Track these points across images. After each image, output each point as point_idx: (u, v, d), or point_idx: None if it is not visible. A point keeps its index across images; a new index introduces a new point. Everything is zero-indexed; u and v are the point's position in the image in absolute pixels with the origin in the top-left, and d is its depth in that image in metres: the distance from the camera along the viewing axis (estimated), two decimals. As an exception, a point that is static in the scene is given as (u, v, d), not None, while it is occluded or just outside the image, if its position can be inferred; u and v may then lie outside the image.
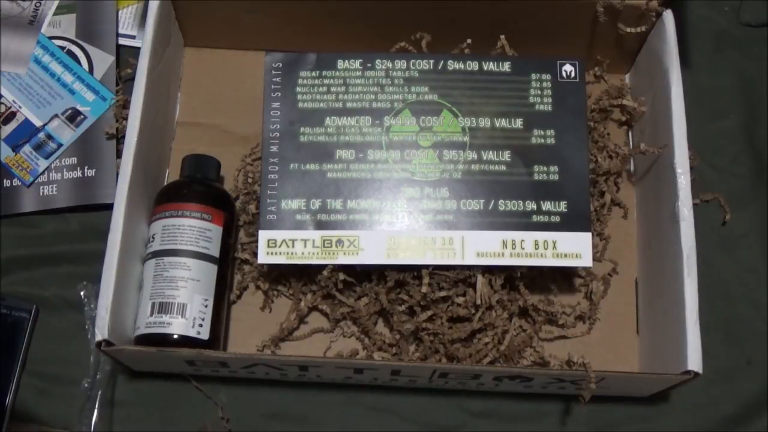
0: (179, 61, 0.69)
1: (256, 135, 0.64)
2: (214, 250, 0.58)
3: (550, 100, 0.59)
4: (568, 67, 0.60)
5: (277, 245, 0.57)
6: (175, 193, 0.60)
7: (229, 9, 0.65)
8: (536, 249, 0.57)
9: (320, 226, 0.57)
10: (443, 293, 0.57)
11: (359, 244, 0.57)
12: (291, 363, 0.55)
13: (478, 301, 0.57)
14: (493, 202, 0.58)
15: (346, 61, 0.59)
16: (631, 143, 0.68)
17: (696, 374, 0.53)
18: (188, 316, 0.56)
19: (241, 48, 0.69)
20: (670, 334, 0.56)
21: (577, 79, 0.60)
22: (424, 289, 0.56)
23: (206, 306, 0.57)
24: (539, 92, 0.59)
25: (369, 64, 0.59)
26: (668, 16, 0.61)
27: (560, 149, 0.58)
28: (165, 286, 0.56)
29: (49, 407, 0.60)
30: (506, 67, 0.60)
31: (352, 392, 0.61)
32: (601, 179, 0.64)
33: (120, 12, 0.71)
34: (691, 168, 0.60)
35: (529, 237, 0.57)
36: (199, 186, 0.60)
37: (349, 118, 0.58)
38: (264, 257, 0.57)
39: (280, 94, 0.59)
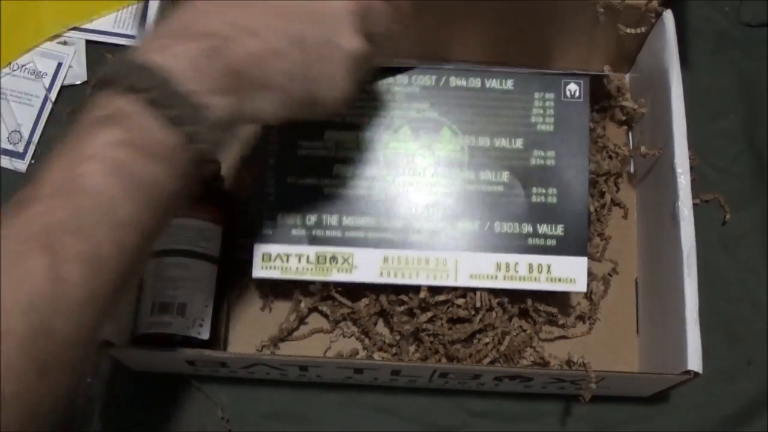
0: (179, 61, 0.69)
1: (256, 134, 0.64)
2: (214, 250, 0.58)
3: (552, 120, 0.58)
4: (572, 86, 0.59)
5: (271, 259, 0.56)
6: (175, 193, 0.60)
7: (229, 9, 0.65)
8: (530, 272, 0.57)
9: (315, 241, 0.57)
10: (442, 297, 0.57)
11: (353, 261, 0.56)
12: (291, 363, 0.55)
13: (478, 304, 0.57)
14: (489, 223, 0.57)
15: None
16: (631, 144, 0.68)
17: (696, 374, 0.53)
18: (188, 316, 0.56)
19: (241, 48, 0.69)
20: (670, 334, 0.56)
21: (581, 99, 0.58)
22: (422, 294, 0.56)
23: (206, 306, 0.57)
24: (542, 111, 0.58)
25: (369, 79, 0.58)
26: (668, 16, 0.61)
27: (560, 171, 0.57)
28: (165, 286, 0.56)
29: (49, 407, 0.60)
30: (509, 84, 0.58)
31: (352, 392, 0.61)
32: (601, 179, 0.64)
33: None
34: (691, 168, 0.60)
35: (524, 260, 0.57)
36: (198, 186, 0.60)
37: (348, 133, 0.58)
38: (258, 271, 0.57)
39: None
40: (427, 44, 0.65)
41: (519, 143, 0.58)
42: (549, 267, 0.57)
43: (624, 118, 0.68)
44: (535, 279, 0.57)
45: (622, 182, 0.67)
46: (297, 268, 0.56)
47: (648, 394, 0.61)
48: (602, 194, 0.64)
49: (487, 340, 0.59)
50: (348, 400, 0.61)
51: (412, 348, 0.60)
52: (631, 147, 0.67)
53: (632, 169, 0.67)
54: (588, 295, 0.63)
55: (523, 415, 0.61)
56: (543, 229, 0.57)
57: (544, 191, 0.57)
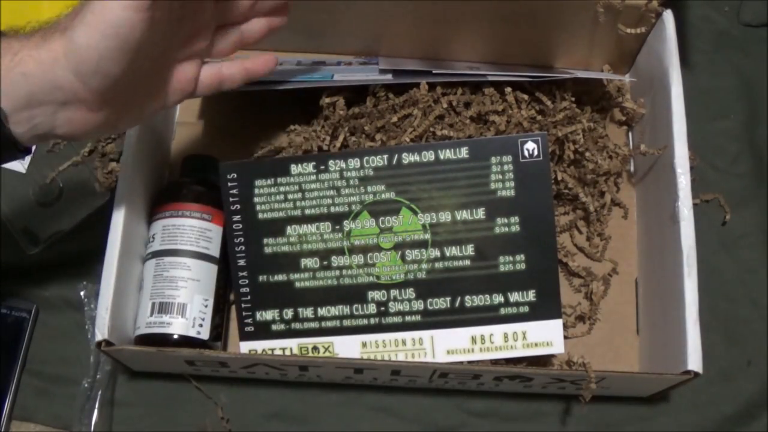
0: (179, 61, 0.69)
1: (257, 135, 0.64)
2: (214, 250, 0.58)
3: (512, 184, 0.56)
4: (530, 145, 0.56)
5: (258, 353, 0.58)
6: (175, 193, 0.60)
7: (229, 9, 0.65)
8: (506, 342, 0.57)
9: (295, 334, 0.58)
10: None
11: (333, 349, 0.57)
12: (291, 363, 0.56)
13: None
14: (459, 299, 0.57)
15: (299, 166, 0.57)
16: (631, 143, 0.68)
17: (696, 374, 0.53)
18: (188, 316, 0.56)
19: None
20: (670, 334, 0.56)
21: (541, 158, 0.56)
22: None
23: (206, 306, 0.57)
24: (500, 176, 0.57)
25: (322, 167, 0.57)
26: (668, 16, 0.61)
27: (526, 236, 0.56)
28: (165, 286, 0.56)
29: (49, 407, 0.60)
30: (464, 153, 0.57)
31: (352, 392, 0.61)
32: (601, 179, 0.64)
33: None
34: (691, 168, 0.60)
35: (498, 330, 0.57)
36: (199, 186, 0.60)
37: (309, 226, 0.58)
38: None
39: (239, 206, 0.58)
40: (427, 44, 0.65)
41: (481, 213, 0.57)
42: (524, 333, 0.57)
43: (624, 118, 0.68)
44: (511, 347, 0.57)
45: (622, 182, 0.67)
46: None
47: (648, 394, 0.61)
48: (602, 194, 0.64)
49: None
50: (348, 400, 0.61)
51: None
52: (631, 147, 0.67)
53: (632, 169, 0.67)
54: (588, 295, 0.63)
55: (523, 415, 0.61)
56: (514, 297, 0.57)
57: (511, 259, 0.57)
